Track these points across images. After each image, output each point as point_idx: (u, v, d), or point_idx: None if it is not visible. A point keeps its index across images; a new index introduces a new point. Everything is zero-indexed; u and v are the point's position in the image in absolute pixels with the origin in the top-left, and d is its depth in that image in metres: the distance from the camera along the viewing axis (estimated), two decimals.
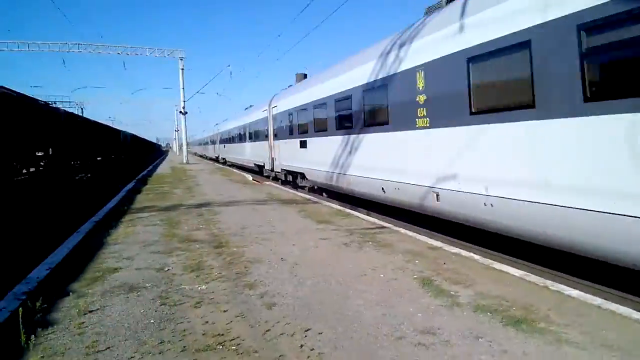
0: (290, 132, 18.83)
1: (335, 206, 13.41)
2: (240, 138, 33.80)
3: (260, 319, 4.89)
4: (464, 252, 7.54)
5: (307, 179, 17.50)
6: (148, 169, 40.21)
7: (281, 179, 21.85)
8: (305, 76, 22.02)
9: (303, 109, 16.90)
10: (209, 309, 5.19)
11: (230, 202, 14.54)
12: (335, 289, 5.77)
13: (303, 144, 16.90)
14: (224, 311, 5.13)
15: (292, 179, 20.18)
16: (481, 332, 4.41)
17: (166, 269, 6.92)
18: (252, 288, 5.89)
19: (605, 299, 5.36)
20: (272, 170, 23.45)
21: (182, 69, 44.94)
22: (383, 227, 9.86)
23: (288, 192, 18.06)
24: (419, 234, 9.20)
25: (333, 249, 7.90)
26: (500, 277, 6.18)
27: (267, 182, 23.08)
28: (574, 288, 5.80)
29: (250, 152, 29.90)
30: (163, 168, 39.83)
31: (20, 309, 4.63)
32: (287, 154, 19.62)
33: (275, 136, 21.82)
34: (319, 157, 15.07)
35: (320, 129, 14.83)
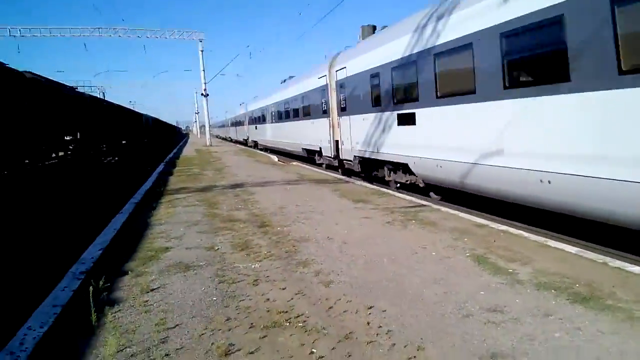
0: (375, 103, 12.99)
1: (370, 185, 13.35)
2: (280, 116, 27.17)
3: (320, 296, 4.91)
4: (512, 230, 7.43)
5: (411, 173, 11.56)
6: (173, 151, 40.61)
7: (352, 170, 15.98)
8: (374, 29, 15.51)
9: (407, 63, 10.85)
10: (267, 287, 5.23)
11: (263, 183, 14.60)
12: (389, 267, 5.75)
13: (405, 119, 11.07)
14: (282, 289, 5.17)
15: (365, 170, 15.03)
16: (549, 309, 4.35)
17: (216, 247, 6.99)
18: (305, 266, 5.91)
19: None
20: (335, 157, 17.59)
21: (202, 51, 45.02)
22: (422, 205, 9.79)
23: (319, 172, 18.06)
24: (461, 212, 9.11)
25: (377, 227, 7.87)
26: (556, 255, 6.07)
27: (293, 163, 23.09)
28: (634, 264, 5.67)
29: (297, 134, 23.07)
30: (188, 151, 40.16)
31: (91, 288, 4.72)
32: (369, 135, 13.58)
33: (343, 110, 15.83)
34: (449, 139, 9.47)
35: (459, 91, 9.01)
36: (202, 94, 45.90)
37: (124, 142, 42.91)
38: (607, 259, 5.78)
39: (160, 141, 75.74)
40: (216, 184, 14.94)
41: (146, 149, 49.12)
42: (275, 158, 27.10)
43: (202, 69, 44.53)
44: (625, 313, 4.20)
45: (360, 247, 6.68)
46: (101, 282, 5.07)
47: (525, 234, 7.20)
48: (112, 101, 40.51)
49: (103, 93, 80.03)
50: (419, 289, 4.99)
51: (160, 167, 22.55)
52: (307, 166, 20.89)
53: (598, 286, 4.88)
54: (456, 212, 9.01)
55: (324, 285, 5.22)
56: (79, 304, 4.85)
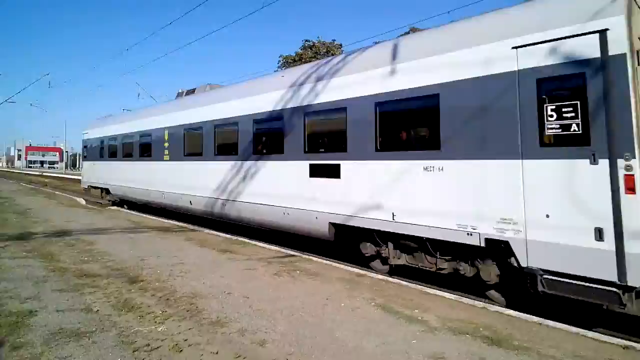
0: None
1: (222, 234, 12.87)
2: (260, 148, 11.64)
3: (265, 358, 4.57)
4: (390, 279, 8.04)
5: None
6: None
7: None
8: None
9: None
10: (197, 353, 4.65)
11: (95, 231, 12.86)
12: (312, 322, 5.66)
13: None
14: (215, 353, 4.66)
15: None
16: (480, 353, 4.84)
17: (94, 309, 5.93)
18: (222, 326, 5.43)
19: (541, 316, 6.30)
20: None
21: None
22: (292, 255, 9.88)
23: (151, 218, 16.69)
24: (328, 260, 9.47)
25: (268, 280, 7.66)
26: (441, 301, 6.78)
27: (112, 207, 20.89)
28: (506, 308, 6.66)
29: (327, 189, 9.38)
30: None
31: None
32: None
33: None
34: None
35: None
36: None
37: None
38: (485, 305, 6.70)
39: None
40: (31, 230, 12.62)
41: None
42: (82, 200, 24.17)
43: None
44: (534, 351, 4.93)
45: (266, 301, 6.42)
46: None
47: (403, 282, 7.87)
48: None
49: None
50: (358, 342, 5.03)
51: None
52: (131, 211, 19.12)
53: (497, 329, 5.61)
54: (329, 261, 9.35)
55: (260, 345, 4.88)
56: None
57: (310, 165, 9.69)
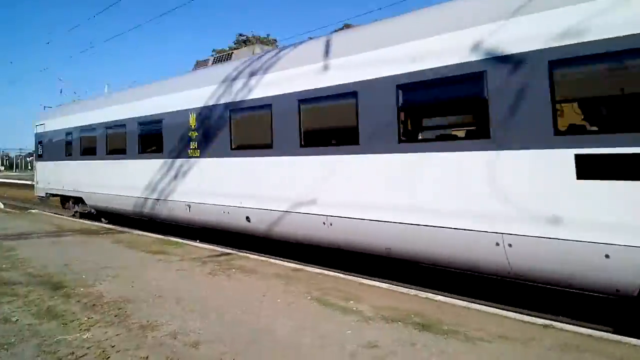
0: None
1: (152, 235, 12.44)
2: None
3: (199, 359, 4.46)
4: (326, 272, 8.11)
5: None
6: None
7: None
8: None
9: None
10: (125, 359, 4.46)
11: (15, 235, 12.04)
12: (248, 320, 5.59)
13: None
14: (145, 358, 4.49)
15: None
16: (410, 339, 4.97)
17: (13, 319, 5.57)
18: (153, 329, 5.25)
19: (470, 301, 6.59)
20: None
21: None
22: (228, 253, 9.72)
23: (76, 221, 15.83)
24: (266, 256, 9.42)
25: (202, 279, 7.50)
26: (376, 291, 6.92)
27: (33, 211, 19.60)
28: (434, 294, 6.91)
29: None
30: None
31: None
32: None
33: None
34: None
35: None
36: None
37: None
38: (417, 292, 6.90)
39: None
40: None
41: None
42: (0, 205, 22.61)
43: None
44: (461, 334, 5.13)
45: (201, 302, 6.27)
46: None
47: (340, 275, 7.96)
48: None
49: None
50: (295, 337, 5.02)
51: None
52: (53, 214, 18.03)
53: (428, 315, 5.79)
54: (266, 258, 9.29)
55: (193, 347, 4.75)
56: None
57: (579, 157, 5.35)
